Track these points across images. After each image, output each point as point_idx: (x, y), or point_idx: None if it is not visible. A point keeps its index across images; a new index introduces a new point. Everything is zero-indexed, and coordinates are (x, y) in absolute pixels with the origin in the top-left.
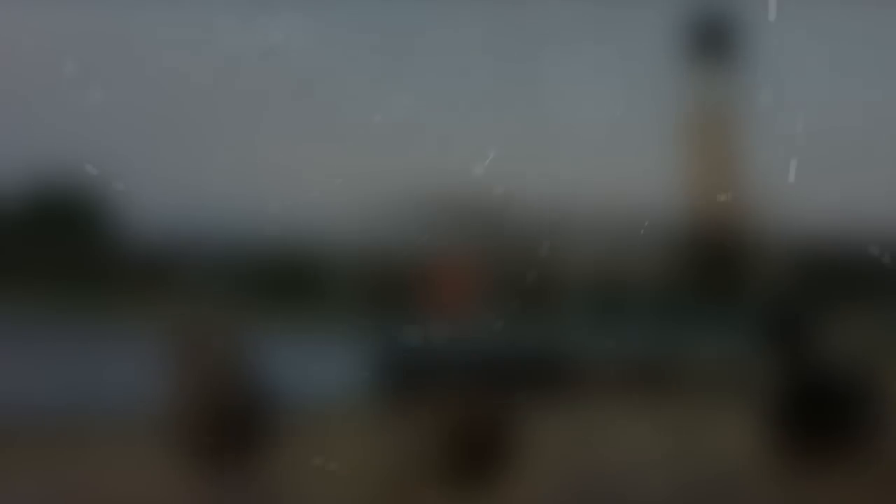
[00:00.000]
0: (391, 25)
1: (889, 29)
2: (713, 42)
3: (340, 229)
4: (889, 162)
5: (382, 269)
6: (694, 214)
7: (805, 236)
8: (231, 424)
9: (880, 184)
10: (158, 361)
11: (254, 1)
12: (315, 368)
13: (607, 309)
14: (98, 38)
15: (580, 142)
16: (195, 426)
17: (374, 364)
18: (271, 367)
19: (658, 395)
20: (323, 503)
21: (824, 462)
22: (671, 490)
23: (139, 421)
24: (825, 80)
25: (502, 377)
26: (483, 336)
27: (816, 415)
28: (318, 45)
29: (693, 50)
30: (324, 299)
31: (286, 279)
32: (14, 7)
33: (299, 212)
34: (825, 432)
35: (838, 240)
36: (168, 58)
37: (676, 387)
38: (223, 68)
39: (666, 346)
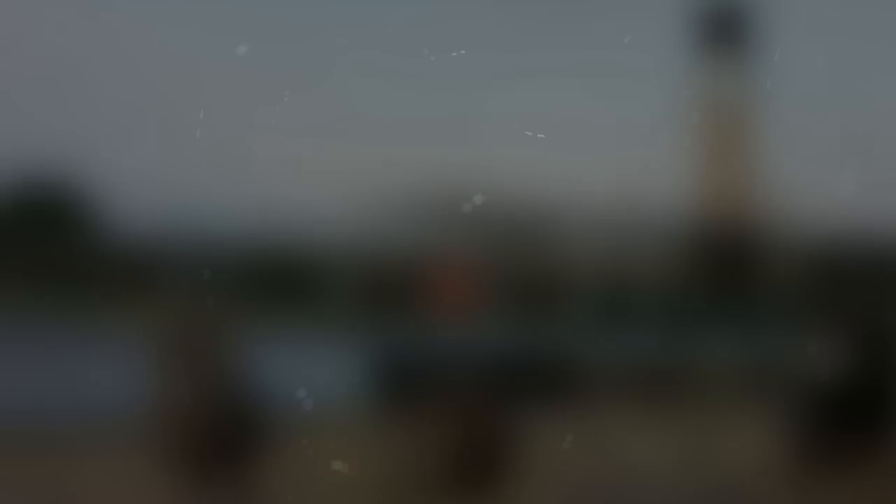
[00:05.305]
0: (391, 20)
1: None
2: (725, 33)
3: (338, 228)
4: None
5: (382, 270)
6: (706, 211)
7: (819, 233)
8: (226, 428)
9: None
10: (151, 364)
11: None
12: (312, 371)
13: (614, 310)
14: (88, 33)
15: (586, 138)
16: (189, 430)
17: (372, 366)
18: (267, 370)
19: (666, 399)
20: None
21: (845, 465)
22: (681, 498)
23: (131, 425)
24: (838, 73)
25: (504, 380)
26: (485, 338)
27: (834, 418)
28: (316, 40)
29: (704, 41)
30: (321, 300)
31: (283, 279)
32: (4, 4)
33: (296, 210)
34: (846, 435)
35: (853, 237)
36: (160, 53)
37: (685, 390)
38: (217, 64)
39: (675, 349)
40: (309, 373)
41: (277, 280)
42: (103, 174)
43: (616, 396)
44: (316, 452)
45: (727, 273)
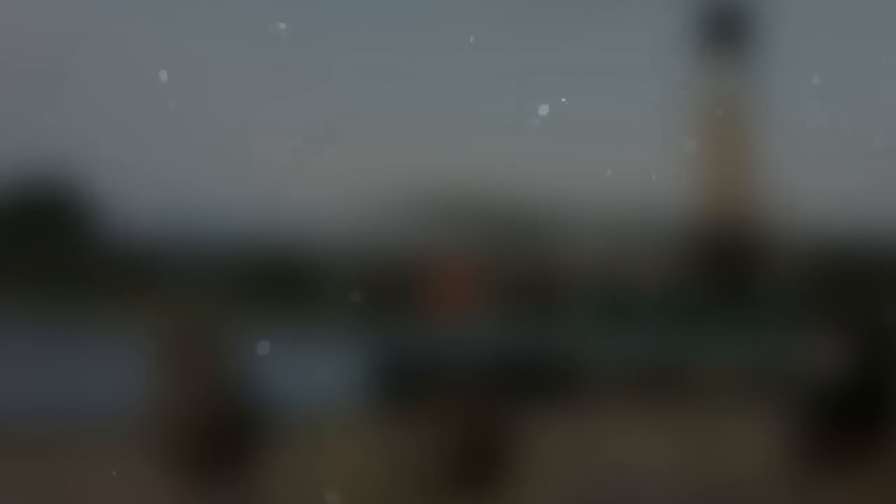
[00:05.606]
0: (392, 19)
1: None
2: (725, 33)
3: (338, 228)
4: None
5: (381, 270)
6: (706, 211)
7: (821, 233)
8: (226, 429)
9: None
10: (147, 366)
11: None
12: (311, 372)
13: (614, 311)
14: (88, 33)
15: (587, 137)
16: (189, 431)
17: (372, 366)
18: (266, 371)
19: (666, 400)
20: None
21: (846, 466)
22: (681, 498)
23: (127, 428)
24: (837, 74)
25: (505, 381)
26: (485, 338)
27: (835, 418)
28: (315, 38)
29: (704, 41)
30: (321, 300)
31: (283, 279)
32: (3, 3)
33: (295, 210)
34: (846, 435)
35: (856, 237)
36: (160, 53)
37: (686, 391)
38: (215, 62)
39: (675, 349)
40: (308, 374)
41: (277, 280)
42: (103, 174)
43: (617, 397)
44: (316, 453)
45: (728, 273)
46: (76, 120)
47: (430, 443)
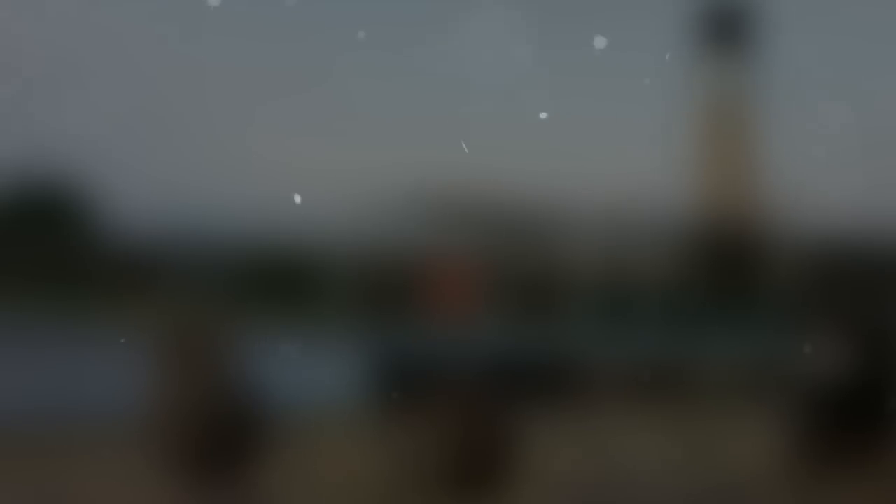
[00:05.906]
0: (392, 19)
1: None
2: (725, 33)
3: (337, 228)
4: None
5: (381, 270)
6: (706, 211)
7: (822, 233)
8: (226, 429)
9: None
10: (147, 366)
11: None
12: (310, 372)
13: (614, 311)
14: (88, 33)
15: (586, 137)
16: (189, 431)
17: (372, 366)
18: (265, 371)
19: (667, 401)
20: None
21: (846, 466)
22: (681, 499)
23: (127, 428)
24: (838, 73)
25: (505, 381)
26: (485, 338)
27: (835, 418)
28: (315, 38)
29: (704, 41)
30: (321, 300)
31: (283, 279)
32: (4, 4)
33: (294, 210)
34: (847, 435)
35: (856, 237)
36: (160, 53)
37: (686, 391)
38: (217, 64)
39: (675, 349)
40: (308, 374)
41: (277, 280)
42: (103, 174)
43: (617, 397)
44: (316, 453)
45: (728, 273)
46: (76, 120)
47: (430, 443)
